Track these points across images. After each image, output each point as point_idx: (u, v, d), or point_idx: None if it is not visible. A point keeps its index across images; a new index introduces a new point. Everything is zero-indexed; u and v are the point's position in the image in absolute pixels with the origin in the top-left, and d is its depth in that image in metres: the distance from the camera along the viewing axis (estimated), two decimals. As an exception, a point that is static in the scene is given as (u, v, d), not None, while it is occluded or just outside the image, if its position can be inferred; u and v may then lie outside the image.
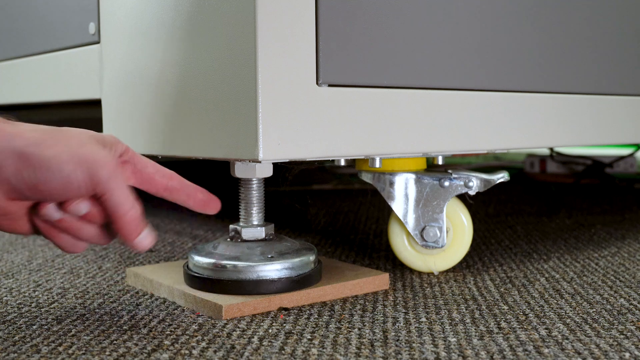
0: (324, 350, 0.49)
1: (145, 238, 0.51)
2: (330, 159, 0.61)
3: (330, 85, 0.58)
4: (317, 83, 0.57)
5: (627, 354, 0.48)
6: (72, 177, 0.48)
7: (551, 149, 1.61)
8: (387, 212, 0.72)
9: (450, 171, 0.69)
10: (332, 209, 1.19)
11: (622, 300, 0.61)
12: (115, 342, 0.50)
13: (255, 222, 0.63)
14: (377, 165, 0.65)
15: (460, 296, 0.63)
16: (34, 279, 0.70)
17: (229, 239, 0.63)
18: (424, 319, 0.56)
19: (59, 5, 0.83)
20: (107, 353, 0.48)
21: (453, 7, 0.66)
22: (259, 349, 0.49)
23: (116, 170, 0.49)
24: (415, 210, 0.69)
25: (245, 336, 0.51)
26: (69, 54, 0.80)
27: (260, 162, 0.56)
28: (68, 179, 0.48)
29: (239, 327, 0.54)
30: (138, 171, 0.54)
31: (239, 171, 0.59)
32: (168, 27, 0.62)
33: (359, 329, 0.53)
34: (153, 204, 0.93)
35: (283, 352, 0.48)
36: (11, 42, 0.94)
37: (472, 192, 0.69)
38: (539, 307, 0.59)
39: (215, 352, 0.48)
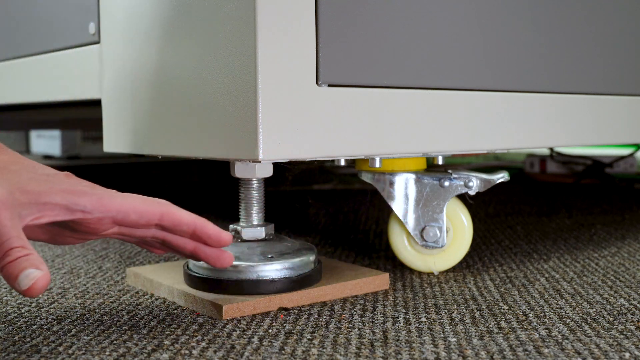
0: (324, 350, 0.49)
1: (27, 277, 0.44)
2: (330, 159, 0.61)
3: (330, 85, 0.58)
4: (317, 83, 0.57)
5: (627, 354, 0.48)
6: None
7: (551, 149, 1.61)
8: (387, 212, 0.72)
9: (450, 171, 0.69)
10: (332, 209, 1.19)
11: (622, 300, 0.61)
12: (115, 342, 0.50)
13: (255, 222, 0.63)
14: (377, 165, 0.65)
15: (460, 296, 0.63)
16: (34, 279, 0.70)
17: (229, 239, 0.63)
18: (424, 319, 0.56)
19: (59, 5, 0.83)
20: (107, 353, 0.48)
21: (453, 7, 0.66)
22: (259, 349, 0.49)
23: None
24: (415, 210, 0.69)
25: (245, 336, 0.51)
26: (69, 54, 0.80)
27: (260, 162, 0.56)
28: None
29: (239, 327, 0.54)
30: (119, 220, 0.51)
31: (239, 171, 0.59)
32: (167, 27, 0.62)
33: (359, 329, 0.53)
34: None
35: (283, 352, 0.48)
36: (11, 42, 0.94)
37: (472, 192, 0.69)
38: (539, 307, 0.59)
39: (215, 352, 0.48)
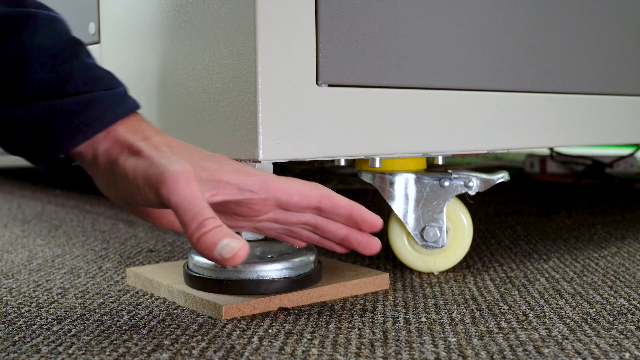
0: (324, 350, 0.49)
1: (226, 247, 0.45)
2: (330, 159, 0.61)
3: (330, 85, 0.58)
4: (317, 83, 0.57)
5: (627, 354, 0.48)
6: (141, 192, 0.48)
7: (551, 149, 1.61)
8: (387, 212, 0.72)
9: (450, 171, 0.69)
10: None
11: (622, 300, 0.61)
12: (115, 342, 0.50)
13: (255, 222, 0.63)
14: (377, 165, 0.65)
15: (460, 296, 0.63)
16: (34, 279, 0.70)
17: (229, 239, 0.63)
18: (424, 319, 0.56)
19: (59, 5, 0.83)
20: (107, 353, 0.48)
21: (453, 7, 0.66)
22: (259, 349, 0.49)
23: (185, 185, 0.46)
24: (415, 210, 0.69)
25: (245, 336, 0.51)
26: (69, 54, 0.80)
27: (260, 162, 0.56)
28: (139, 193, 0.48)
29: (239, 327, 0.54)
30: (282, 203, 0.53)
31: (239, 171, 0.59)
32: (167, 27, 0.62)
33: (359, 329, 0.53)
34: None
35: (283, 352, 0.48)
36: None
37: (472, 192, 0.69)
38: (539, 307, 0.59)
39: (215, 352, 0.48)
